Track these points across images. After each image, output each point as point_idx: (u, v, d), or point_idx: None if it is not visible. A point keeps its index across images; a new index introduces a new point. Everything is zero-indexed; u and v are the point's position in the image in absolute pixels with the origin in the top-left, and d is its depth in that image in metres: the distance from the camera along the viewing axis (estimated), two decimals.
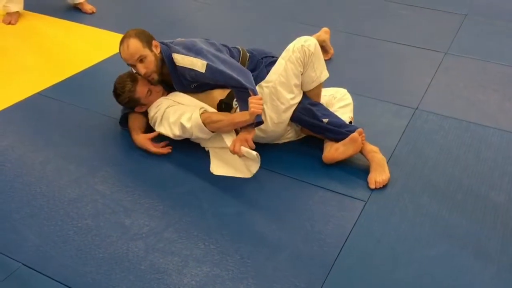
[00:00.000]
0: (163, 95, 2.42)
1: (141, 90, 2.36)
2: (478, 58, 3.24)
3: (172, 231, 1.97)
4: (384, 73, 3.11)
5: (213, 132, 2.22)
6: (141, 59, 2.29)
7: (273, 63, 2.38)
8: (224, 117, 2.21)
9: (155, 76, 2.35)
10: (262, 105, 2.13)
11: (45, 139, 2.50)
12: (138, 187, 2.20)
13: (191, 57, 2.26)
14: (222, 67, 2.22)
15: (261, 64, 2.45)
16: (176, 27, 3.66)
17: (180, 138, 2.32)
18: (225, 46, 2.46)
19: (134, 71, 2.39)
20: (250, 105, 2.10)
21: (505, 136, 2.50)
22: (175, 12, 3.99)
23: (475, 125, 2.58)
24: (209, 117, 2.21)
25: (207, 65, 2.22)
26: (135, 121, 2.44)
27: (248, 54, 2.48)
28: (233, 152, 2.15)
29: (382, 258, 1.86)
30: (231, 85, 2.24)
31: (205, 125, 2.19)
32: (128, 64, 2.35)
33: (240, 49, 2.49)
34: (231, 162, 2.25)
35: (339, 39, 3.39)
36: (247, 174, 2.22)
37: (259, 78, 2.36)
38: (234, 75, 2.18)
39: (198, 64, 2.24)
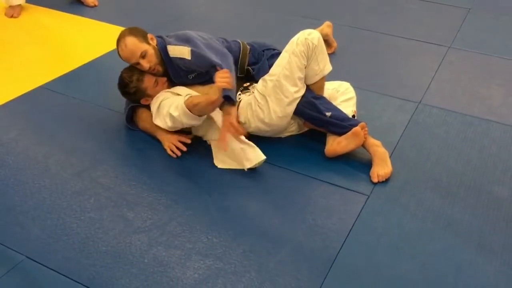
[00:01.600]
0: (168, 87, 2.42)
1: (148, 79, 2.36)
2: (482, 52, 3.22)
3: (175, 224, 1.97)
4: (387, 67, 3.10)
5: (200, 116, 2.21)
6: (143, 55, 2.30)
7: (275, 55, 2.39)
8: (203, 98, 2.21)
9: (160, 68, 2.36)
10: (229, 78, 2.11)
11: (48, 132, 2.51)
12: (141, 180, 2.20)
13: (180, 46, 2.30)
14: (204, 51, 2.25)
15: (262, 57, 2.45)
16: (179, 21, 3.65)
17: (175, 129, 2.32)
18: (224, 39, 2.46)
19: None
20: (216, 79, 2.10)
21: (509, 131, 2.50)
22: (177, 6, 3.98)
23: (479, 120, 2.58)
24: (191, 101, 2.20)
25: (191, 51, 2.26)
26: (147, 118, 2.42)
27: (248, 47, 2.49)
28: (221, 144, 2.19)
29: (384, 252, 1.86)
30: (213, 68, 2.27)
31: (190, 110, 2.18)
32: (131, 64, 2.36)
33: (240, 42, 2.49)
34: (232, 155, 2.25)
35: (343, 32, 3.38)
36: (248, 166, 2.22)
37: (261, 71, 2.36)
38: (214, 58, 2.22)
39: (185, 52, 2.28)
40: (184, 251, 1.86)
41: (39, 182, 2.18)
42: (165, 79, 2.42)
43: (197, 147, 2.37)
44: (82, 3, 3.86)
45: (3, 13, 3.73)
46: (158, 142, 2.38)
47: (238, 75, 2.46)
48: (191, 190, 2.14)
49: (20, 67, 3.09)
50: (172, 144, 2.32)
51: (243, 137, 2.22)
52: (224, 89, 2.10)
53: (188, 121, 2.23)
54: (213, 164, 2.28)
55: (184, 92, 2.34)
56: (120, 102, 2.52)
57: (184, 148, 2.32)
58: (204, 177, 2.21)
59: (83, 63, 3.06)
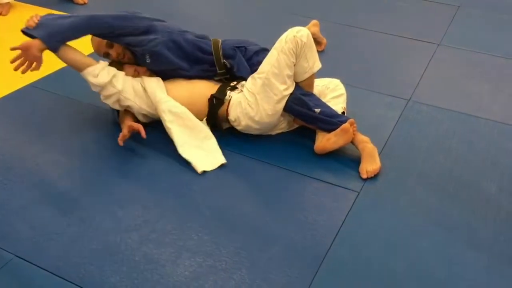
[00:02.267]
0: (150, 76, 2.44)
1: (128, 70, 2.40)
2: (471, 50, 3.25)
3: (166, 222, 1.97)
4: (377, 64, 3.12)
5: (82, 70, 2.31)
6: (110, 45, 2.38)
7: (260, 52, 2.41)
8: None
9: (128, 54, 2.42)
10: (37, 18, 2.25)
11: (37, 131, 2.49)
12: (131, 178, 2.19)
13: None
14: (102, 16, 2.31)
15: (237, 52, 2.46)
16: (168, 19, 3.61)
17: (109, 99, 2.38)
18: (200, 36, 2.50)
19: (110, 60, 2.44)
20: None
21: (497, 127, 2.52)
22: (167, 4, 3.96)
23: (468, 116, 2.60)
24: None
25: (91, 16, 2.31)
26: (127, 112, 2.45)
27: (219, 40, 2.50)
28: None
29: (374, 249, 1.87)
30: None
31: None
32: (103, 56, 2.43)
33: (209, 37, 2.53)
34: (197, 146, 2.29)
35: (332, 30, 3.39)
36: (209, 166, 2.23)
37: (241, 67, 2.42)
38: (107, 18, 2.30)
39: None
40: (174, 249, 1.85)
41: (28, 181, 2.17)
42: (145, 68, 2.43)
43: None
44: (72, 1, 3.84)
45: None
46: (148, 140, 2.36)
47: (218, 71, 2.46)
48: (182, 188, 2.14)
49: (9, 65, 3.05)
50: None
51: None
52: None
53: (91, 80, 2.33)
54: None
55: (153, 85, 2.36)
56: None
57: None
58: (194, 175, 2.21)
59: None
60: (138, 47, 2.37)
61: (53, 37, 2.24)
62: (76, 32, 2.28)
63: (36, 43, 2.22)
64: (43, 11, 3.71)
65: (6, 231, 1.93)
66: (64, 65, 3.02)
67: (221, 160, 2.25)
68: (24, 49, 2.23)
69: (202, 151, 2.28)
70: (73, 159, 2.30)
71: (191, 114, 2.33)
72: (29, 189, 2.13)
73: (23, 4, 3.82)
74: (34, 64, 2.27)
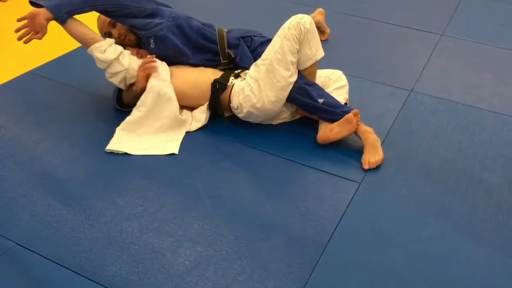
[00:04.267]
0: None
1: (131, 52, 2.39)
2: (474, 41, 3.23)
3: (166, 211, 1.97)
4: (380, 54, 3.10)
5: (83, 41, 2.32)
6: (113, 23, 2.38)
7: (265, 43, 2.39)
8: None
9: (131, 37, 2.42)
10: None
11: (37, 119, 2.48)
12: (132, 167, 2.19)
13: None
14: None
15: (240, 41, 2.46)
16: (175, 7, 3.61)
17: (115, 79, 2.36)
18: (205, 25, 2.49)
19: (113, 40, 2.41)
20: None
21: (499, 119, 2.51)
22: None
23: (470, 108, 2.58)
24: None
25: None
26: (129, 91, 2.44)
27: (225, 30, 2.50)
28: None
29: (375, 239, 1.87)
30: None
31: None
32: (104, 36, 2.41)
33: (215, 26, 2.52)
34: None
35: (335, 20, 3.36)
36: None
37: (244, 57, 2.42)
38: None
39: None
40: (175, 238, 1.85)
41: (28, 169, 2.16)
42: (147, 53, 2.44)
43: (187, 135, 2.35)
44: None
45: None
46: None
47: (221, 61, 2.45)
48: (183, 177, 2.14)
49: (9, 52, 3.05)
50: (141, 68, 2.33)
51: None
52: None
53: (99, 56, 2.30)
54: (202, 151, 2.27)
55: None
56: (109, 87, 2.50)
57: (154, 59, 2.36)
58: (195, 164, 2.20)
59: (71, 48, 3.02)
60: (143, 31, 2.36)
61: (61, 7, 2.22)
62: (84, 4, 2.25)
63: (43, 11, 2.20)
64: None
65: (7, 219, 1.93)
66: (65, 52, 3.03)
67: (172, 149, 2.26)
68: (31, 17, 2.20)
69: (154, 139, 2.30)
70: (74, 147, 2.29)
71: (175, 104, 2.33)
72: (29, 177, 2.12)
73: None
74: (38, 33, 2.23)
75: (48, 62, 2.91)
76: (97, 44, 2.28)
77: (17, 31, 2.22)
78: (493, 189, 2.09)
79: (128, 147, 2.26)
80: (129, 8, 2.30)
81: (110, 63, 2.29)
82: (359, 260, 1.79)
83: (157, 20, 2.35)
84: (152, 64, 2.33)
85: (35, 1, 2.23)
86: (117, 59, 2.30)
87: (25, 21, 2.21)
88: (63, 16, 2.23)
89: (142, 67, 2.33)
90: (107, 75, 2.35)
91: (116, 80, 2.35)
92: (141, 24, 2.35)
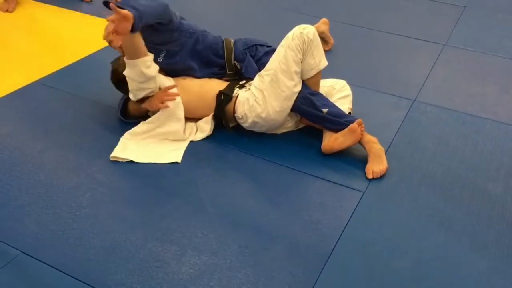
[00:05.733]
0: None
1: None
2: (477, 50, 3.24)
3: (171, 220, 1.97)
4: (383, 64, 3.11)
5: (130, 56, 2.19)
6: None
7: (270, 52, 2.40)
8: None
9: None
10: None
11: (44, 128, 2.50)
12: (136, 175, 2.20)
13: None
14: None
15: (246, 53, 2.47)
16: None
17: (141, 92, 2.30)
18: (215, 38, 2.49)
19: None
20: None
21: (503, 128, 2.51)
22: (174, 3, 3.95)
23: (473, 117, 2.59)
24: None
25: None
26: (136, 105, 2.42)
27: (232, 40, 2.51)
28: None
29: (379, 249, 1.87)
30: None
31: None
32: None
33: (222, 37, 2.52)
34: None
35: (339, 30, 3.38)
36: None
37: (249, 68, 2.43)
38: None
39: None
40: (179, 247, 1.86)
41: (34, 178, 2.18)
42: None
43: (191, 144, 2.37)
44: None
45: None
46: None
47: (227, 72, 2.47)
48: (186, 186, 2.15)
49: (16, 62, 3.08)
50: (161, 96, 2.30)
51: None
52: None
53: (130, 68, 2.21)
54: (206, 161, 2.28)
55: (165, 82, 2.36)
56: (115, 97, 2.52)
57: (176, 93, 2.33)
58: (199, 173, 2.21)
59: (78, 58, 3.05)
60: (160, 45, 2.34)
61: (142, 18, 2.05)
62: (157, 17, 2.18)
63: (132, 19, 1.99)
64: (50, 9, 3.74)
65: (13, 227, 1.94)
66: (71, 62, 3.06)
67: (175, 158, 2.27)
68: (123, 16, 1.97)
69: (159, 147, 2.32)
70: (79, 156, 2.31)
71: (182, 124, 2.35)
72: (35, 185, 2.14)
73: (29, 0, 3.83)
74: (119, 35, 2.03)
75: (55, 72, 2.93)
76: (145, 58, 2.20)
77: (109, 20, 2.02)
78: (497, 199, 2.09)
79: (132, 155, 2.27)
80: (173, 24, 2.29)
81: (149, 79, 2.25)
82: (363, 269, 1.79)
83: (175, 36, 2.35)
84: (173, 98, 2.31)
85: (117, 3, 2.00)
86: (155, 77, 2.26)
87: (116, 16, 1.98)
88: (139, 27, 2.06)
89: (162, 95, 2.30)
90: (135, 87, 2.27)
91: (141, 94, 2.29)
92: (161, 39, 2.34)
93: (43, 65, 2.99)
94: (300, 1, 3.92)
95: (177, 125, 2.35)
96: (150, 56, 2.22)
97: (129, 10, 1.99)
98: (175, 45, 2.36)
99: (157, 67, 2.27)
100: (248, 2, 3.93)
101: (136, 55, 2.18)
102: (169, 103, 2.30)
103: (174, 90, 2.34)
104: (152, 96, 2.32)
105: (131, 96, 2.33)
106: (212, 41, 2.46)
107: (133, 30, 2.03)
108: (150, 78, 2.24)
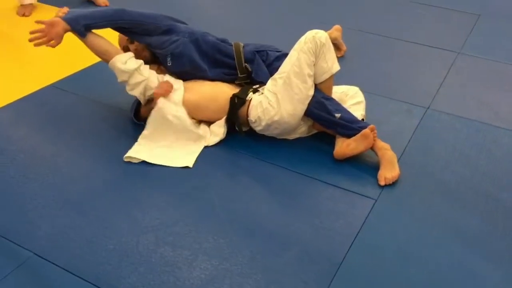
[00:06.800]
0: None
1: (151, 68, 2.45)
2: (491, 59, 3.22)
3: (183, 225, 1.98)
4: (396, 71, 3.10)
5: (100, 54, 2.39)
6: (131, 40, 2.45)
7: (281, 57, 2.41)
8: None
9: (146, 54, 2.48)
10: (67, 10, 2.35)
11: (58, 131, 2.52)
12: (149, 180, 2.21)
13: None
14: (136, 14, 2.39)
15: (256, 56, 2.48)
16: (188, 23, 3.66)
17: (134, 92, 2.40)
18: (220, 39, 2.52)
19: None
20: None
21: None
22: (187, 9, 3.99)
23: (487, 126, 2.57)
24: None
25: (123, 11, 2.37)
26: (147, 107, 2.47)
27: (241, 44, 2.52)
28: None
29: (391, 257, 1.86)
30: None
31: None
32: (124, 49, 2.47)
33: (231, 41, 2.55)
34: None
35: (352, 36, 3.38)
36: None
37: (260, 71, 2.44)
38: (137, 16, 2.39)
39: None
40: (191, 251, 1.86)
41: (48, 180, 2.19)
42: (164, 69, 2.49)
43: (204, 149, 2.37)
44: (94, 3, 3.89)
45: (15, 12, 3.76)
46: None
47: (239, 75, 2.48)
48: (199, 191, 2.15)
49: (31, 65, 3.11)
50: (163, 85, 2.37)
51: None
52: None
53: (120, 67, 2.36)
54: (219, 166, 2.29)
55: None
56: (128, 100, 2.54)
57: (171, 86, 2.39)
58: (211, 178, 2.22)
59: (93, 62, 3.07)
60: (159, 49, 2.40)
61: (79, 20, 2.29)
62: (101, 19, 2.33)
63: (62, 22, 2.28)
64: None
65: (26, 229, 1.96)
66: (85, 66, 3.08)
67: (187, 163, 2.28)
68: (49, 24, 2.28)
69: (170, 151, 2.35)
70: (93, 159, 2.32)
71: (183, 123, 2.37)
72: (49, 188, 2.15)
73: (45, 5, 3.88)
74: (53, 41, 2.30)
75: (68, 76, 2.96)
76: (118, 56, 2.34)
77: (32, 33, 2.29)
78: (511, 208, 2.07)
79: (145, 155, 2.29)
80: (144, 25, 2.35)
81: (131, 74, 2.34)
82: (374, 277, 1.78)
83: (173, 37, 2.39)
84: (169, 90, 2.37)
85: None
86: (138, 69, 2.34)
87: (43, 26, 2.28)
88: (80, 29, 2.30)
89: (160, 87, 2.37)
90: (128, 87, 2.39)
91: (137, 92, 2.38)
92: (157, 43, 2.39)
93: (57, 69, 3.02)
94: (312, 7, 3.92)
95: (177, 126, 2.36)
96: (124, 54, 2.36)
97: (61, 18, 2.28)
98: (175, 46, 2.39)
99: (138, 61, 2.37)
100: (259, 9, 3.94)
101: (106, 57, 2.37)
102: (164, 100, 2.35)
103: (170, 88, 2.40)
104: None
105: (132, 94, 2.41)
106: (214, 41, 2.48)
107: (76, 33, 2.33)
108: (132, 73, 2.34)
